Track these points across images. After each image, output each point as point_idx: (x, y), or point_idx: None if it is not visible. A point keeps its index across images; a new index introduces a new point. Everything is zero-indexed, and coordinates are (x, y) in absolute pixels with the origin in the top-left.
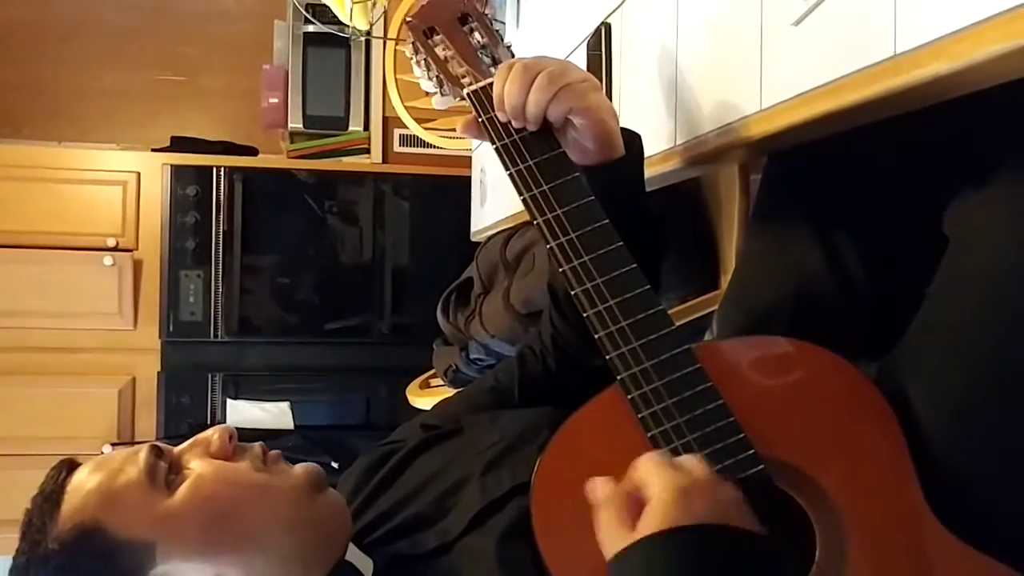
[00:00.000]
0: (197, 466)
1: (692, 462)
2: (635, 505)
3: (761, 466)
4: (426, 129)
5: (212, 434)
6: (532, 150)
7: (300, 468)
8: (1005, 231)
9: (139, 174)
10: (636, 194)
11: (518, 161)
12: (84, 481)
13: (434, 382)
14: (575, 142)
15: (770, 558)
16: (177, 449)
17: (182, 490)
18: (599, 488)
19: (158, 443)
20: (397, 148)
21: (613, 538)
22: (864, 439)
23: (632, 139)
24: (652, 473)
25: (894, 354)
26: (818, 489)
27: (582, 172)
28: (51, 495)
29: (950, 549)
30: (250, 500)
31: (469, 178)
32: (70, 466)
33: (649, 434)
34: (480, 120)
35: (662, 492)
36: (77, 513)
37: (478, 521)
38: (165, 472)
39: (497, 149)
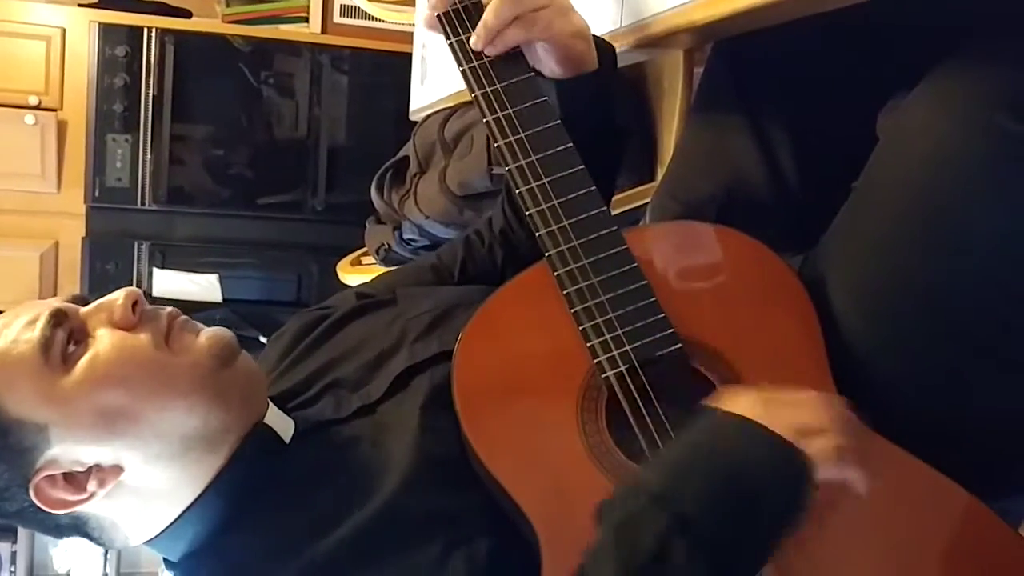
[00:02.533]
0: (100, 336)
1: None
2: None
3: (679, 345)
4: (369, 0)
5: (116, 298)
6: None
7: (204, 339)
8: (926, 129)
9: (64, 30)
10: (602, 111)
11: (472, 59)
12: None
13: (365, 260)
14: (539, 60)
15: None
16: (83, 311)
17: (77, 370)
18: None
19: (60, 305)
20: (337, 19)
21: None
22: (779, 323)
23: (604, 54)
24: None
25: (817, 248)
26: (732, 370)
27: (552, 84)
28: None
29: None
30: (144, 381)
31: (410, 55)
32: None
33: (572, 310)
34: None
35: (763, 394)
36: None
37: (401, 384)
38: (63, 344)
39: (451, 45)
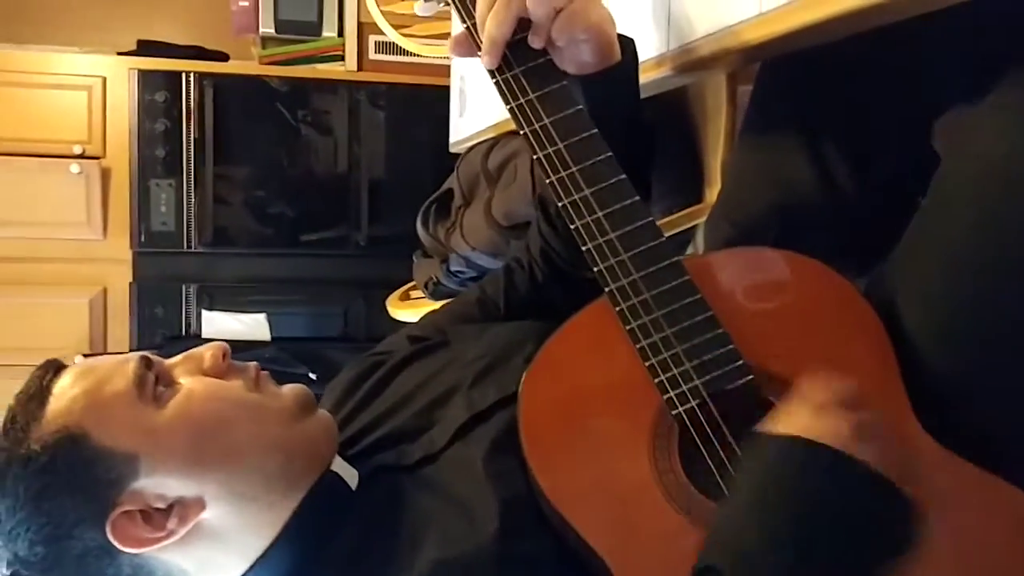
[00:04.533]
0: (188, 382)
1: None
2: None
3: (750, 376)
4: (404, 35)
5: (206, 351)
6: (520, 60)
7: (289, 390)
8: (1000, 143)
9: (104, 79)
10: (632, 101)
11: (504, 69)
12: (71, 385)
13: (414, 294)
14: (572, 57)
15: (894, 521)
16: (168, 362)
17: (172, 404)
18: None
19: (147, 354)
20: (372, 55)
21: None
22: (852, 351)
23: (627, 44)
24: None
25: (885, 266)
26: None
27: (576, 82)
28: (36, 395)
29: (938, 459)
30: (240, 419)
31: (447, 87)
32: (56, 367)
33: (638, 345)
34: (465, 26)
35: (804, 403)
36: (62, 416)
37: (463, 433)
38: (154, 384)
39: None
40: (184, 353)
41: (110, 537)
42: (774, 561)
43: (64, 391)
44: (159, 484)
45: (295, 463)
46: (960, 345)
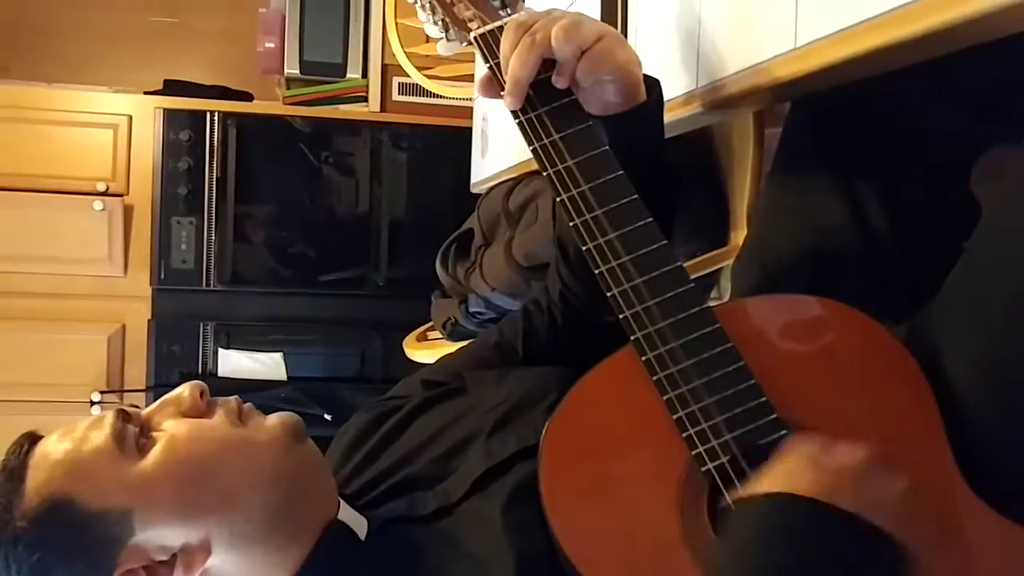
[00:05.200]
0: (169, 426)
1: (850, 447)
2: None
3: (784, 432)
4: (427, 76)
5: (182, 391)
6: (544, 100)
7: (275, 419)
8: None
9: (131, 117)
10: (656, 142)
11: (528, 109)
12: (48, 453)
13: (432, 335)
14: (597, 97)
15: (884, 567)
16: (145, 412)
17: (155, 452)
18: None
19: (124, 407)
20: (396, 96)
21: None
22: (894, 404)
23: (652, 85)
24: (794, 443)
25: (926, 314)
26: None
27: (601, 122)
28: (14, 471)
29: (984, 520)
30: (227, 456)
31: (469, 129)
32: (32, 439)
33: (665, 397)
34: (489, 64)
35: (788, 457)
36: (44, 486)
37: (480, 485)
38: (135, 436)
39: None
40: (160, 400)
41: None
42: None
43: (42, 459)
44: (158, 536)
45: (294, 496)
46: (1011, 396)
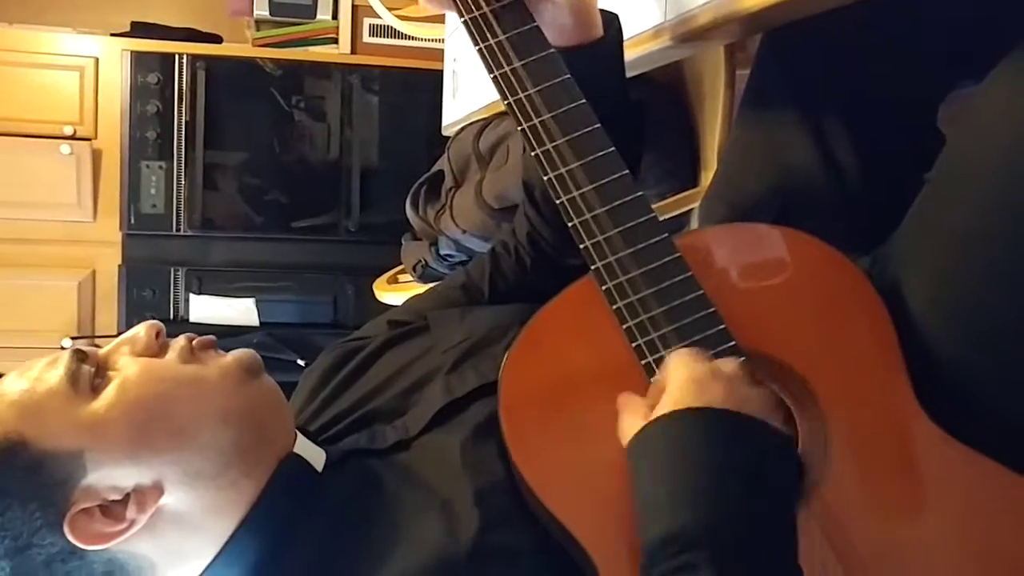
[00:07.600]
0: (125, 364)
1: (722, 360)
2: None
3: (742, 358)
4: (398, 17)
5: (138, 331)
6: (504, 24)
7: (231, 354)
8: (1008, 117)
9: (97, 60)
10: (617, 78)
11: (488, 36)
12: (4, 393)
13: (403, 277)
14: (552, 20)
15: (785, 455)
16: (102, 351)
17: (107, 392)
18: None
19: (81, 347)
20: (366, 38)
21: (632, 427)
22: (853, 332)
23: (610, 20)
24: (673, 364)
25: (888, 246)
26: (801, 383)
27: (561, 56)
28: None
29: (941, 446)
30: (179, 395)
31: (440, 72)
32: None
33: (624, 326)
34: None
35: (678, 378)
36: None
37: (440, 419)
38: (90, 376)
39: (465, 23)
40: (117, 339)
41: (71, 538)
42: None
43: None
44: (110, 476)
45: (247, 432)
46: (968, 325)
